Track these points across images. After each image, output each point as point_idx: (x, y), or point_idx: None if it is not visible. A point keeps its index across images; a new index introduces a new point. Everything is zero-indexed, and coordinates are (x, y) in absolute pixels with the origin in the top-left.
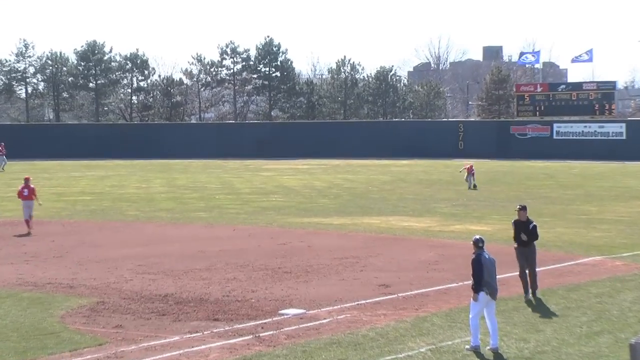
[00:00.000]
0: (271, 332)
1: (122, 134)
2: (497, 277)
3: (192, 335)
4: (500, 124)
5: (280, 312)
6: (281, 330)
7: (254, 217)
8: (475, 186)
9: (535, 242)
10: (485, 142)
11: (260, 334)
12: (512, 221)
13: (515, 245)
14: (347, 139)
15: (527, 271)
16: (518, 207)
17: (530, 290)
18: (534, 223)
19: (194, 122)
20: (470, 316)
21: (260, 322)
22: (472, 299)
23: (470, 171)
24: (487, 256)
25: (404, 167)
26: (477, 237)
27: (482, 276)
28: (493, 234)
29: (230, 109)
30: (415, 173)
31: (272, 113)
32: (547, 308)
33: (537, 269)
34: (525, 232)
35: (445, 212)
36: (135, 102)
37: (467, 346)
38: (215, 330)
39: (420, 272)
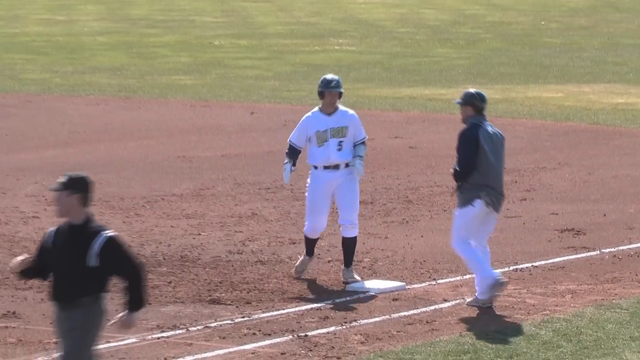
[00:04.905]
0: (331, 330)
1: None
2: None
3: (167, 334)
4: None
5: (349, 286)
6: (352, 325)
7: (294, 85)
8: None
9: None
10: None
11: (308, 333)
12: None
13: None
14: None
15: None
16: None
17: None
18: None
19: None
20: (453, 241)
21: (309, 307)
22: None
23: None
24: (490, 130)
25: None
26: (471, 90)
27: (470, 159)
28: None
29: None
30: None
31: None
32: None
33: None
34: None
35: None
36: None
37: (469, 299)
38: (213, 325)
39: None
